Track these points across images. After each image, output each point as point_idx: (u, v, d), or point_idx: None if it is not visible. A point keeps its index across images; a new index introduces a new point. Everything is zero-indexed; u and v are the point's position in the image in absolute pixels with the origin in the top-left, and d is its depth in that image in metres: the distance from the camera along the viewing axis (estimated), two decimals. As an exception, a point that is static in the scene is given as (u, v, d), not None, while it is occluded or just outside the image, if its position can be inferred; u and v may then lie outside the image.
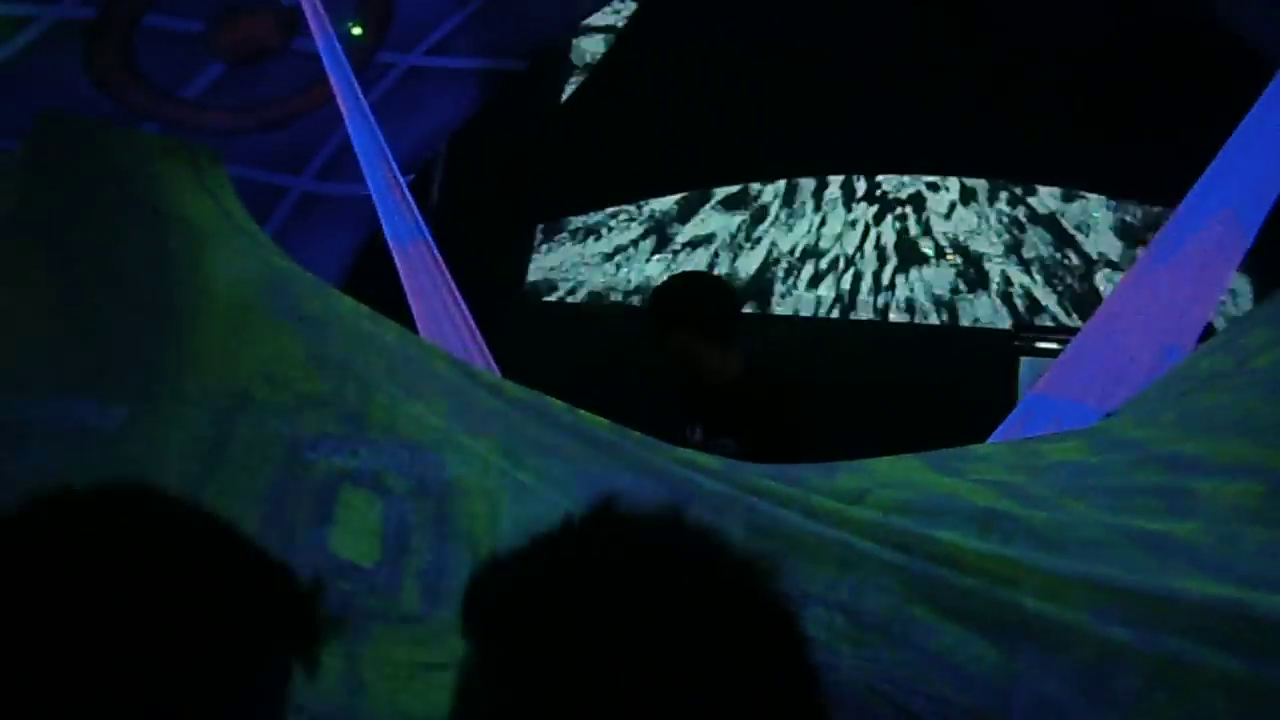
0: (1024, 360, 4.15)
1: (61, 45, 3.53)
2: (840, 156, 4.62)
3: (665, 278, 4.12)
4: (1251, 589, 1.56)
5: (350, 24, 4.13)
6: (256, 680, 0.83)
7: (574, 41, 4.70)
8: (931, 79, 4.27)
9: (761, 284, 4.80)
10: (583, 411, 2.03)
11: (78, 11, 3.45)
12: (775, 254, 4.82)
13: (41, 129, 2.56)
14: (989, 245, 4.77)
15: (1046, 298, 4.65)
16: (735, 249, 4.81)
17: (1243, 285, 4.34)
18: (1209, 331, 2.01)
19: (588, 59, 4.83)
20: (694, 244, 4.87)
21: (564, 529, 0.85)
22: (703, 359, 3.14)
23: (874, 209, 4.82)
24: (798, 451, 2.82)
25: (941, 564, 1.70)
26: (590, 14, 4.62)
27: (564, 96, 4.77)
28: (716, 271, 4.84)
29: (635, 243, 4.91)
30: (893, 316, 4.77)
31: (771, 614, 0.82)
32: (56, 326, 2.41)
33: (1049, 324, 4.44)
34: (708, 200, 4.81)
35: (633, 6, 4.77)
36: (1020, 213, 4.71)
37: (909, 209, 4.82)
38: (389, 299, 3.13)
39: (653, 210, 4.78)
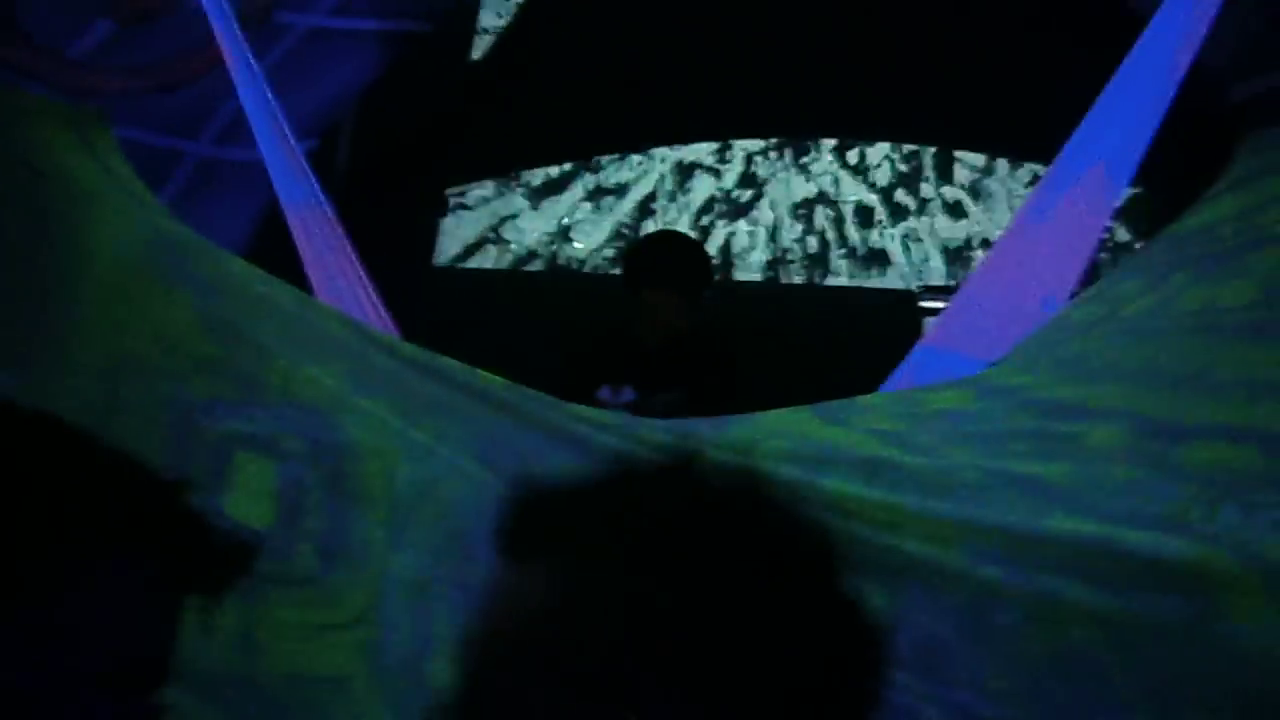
0: (928, 321, 4.26)
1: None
2: (752, 119, 4.65)
3: (643, 237, 4.18)
4: (1115, 525, 1.63)
5: (249, -17, 4.02)
6: (143, 602, 0.82)
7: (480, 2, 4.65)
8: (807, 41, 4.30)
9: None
10: (480, 370, 2.04)
11: (-48, -34, 3.32)
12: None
13: (-86, 90, 2.46)
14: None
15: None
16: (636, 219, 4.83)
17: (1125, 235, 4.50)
18: (1090, 281, 2.09)
19: (497, 19, 4.79)
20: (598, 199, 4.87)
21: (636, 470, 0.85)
22: (675, 318, 3.22)
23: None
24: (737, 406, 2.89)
25: (828, 511, 1.74)
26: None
27: (472, 58, 4.72)
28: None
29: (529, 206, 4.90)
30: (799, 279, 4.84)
31: (842, 593, 0.82)
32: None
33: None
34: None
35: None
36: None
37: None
38: (292, 264, 3.09)
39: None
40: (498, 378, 2.01)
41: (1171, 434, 1.65)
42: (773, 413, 1.95)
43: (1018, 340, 2.01)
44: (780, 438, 1.84)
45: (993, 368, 1.89)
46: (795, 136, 4.70)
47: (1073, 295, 2.06)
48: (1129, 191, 4.23)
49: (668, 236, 3.86)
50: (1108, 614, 1.64)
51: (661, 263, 3.33)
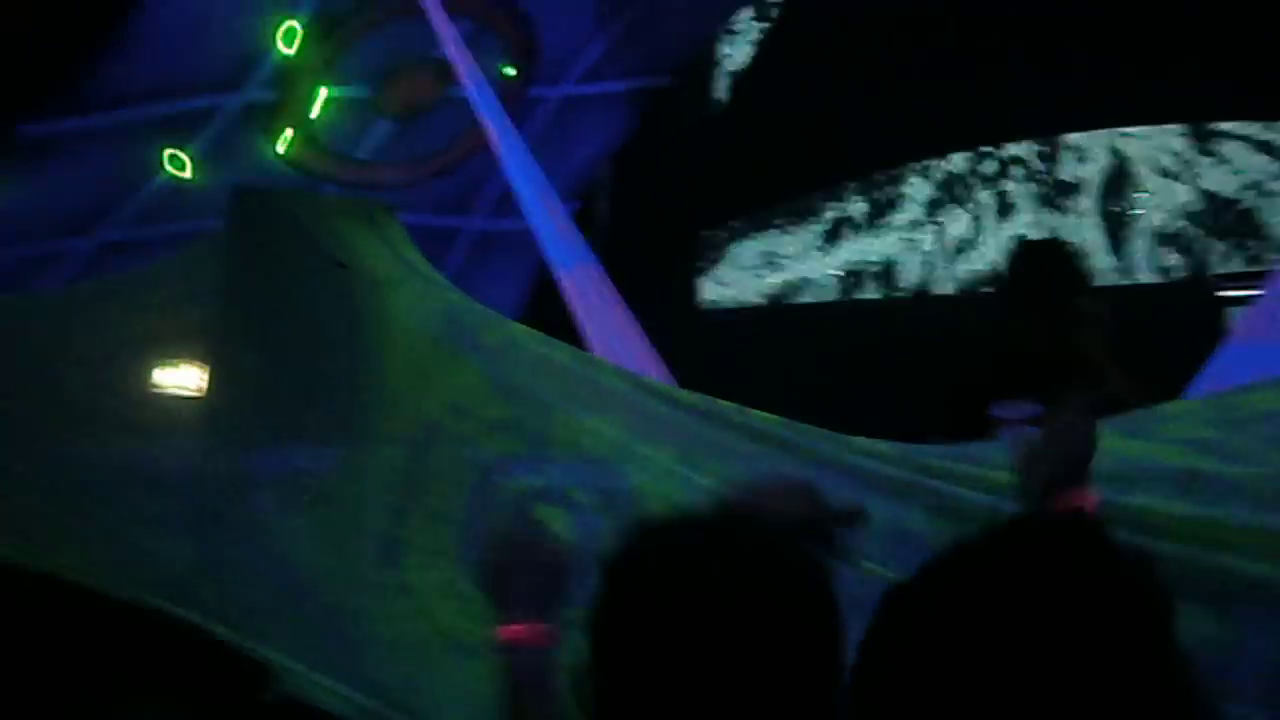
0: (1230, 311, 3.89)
1: (249, 126, 3.85)
2: (1003, 127, 4.47)
3: (1032, 243, 3.96)
4: None
5: (500, 65, 4.30)
6: None
7: (719, 48, 4.74)
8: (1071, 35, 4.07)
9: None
10: (754, 410, 2.05)
11: (261, 93, 3.77)
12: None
13: (238, 204, 2.79)
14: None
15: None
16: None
17: None
18: None
19: (735, 64, 4.86)
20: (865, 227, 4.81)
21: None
22: (1057, 328, 3.04)
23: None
24: None
25: (1140, 531, 1.62)
26: (727, 20, 4.65)
27: (717, 103, 4.81)
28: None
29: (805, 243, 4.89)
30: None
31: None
32: (267, 382, 2.62)
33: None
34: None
35: (772, 6, 4.77)
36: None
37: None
38: (566, 323, 3.24)
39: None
40: (775, 416, 2.01)
41: None
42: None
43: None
44: (1077, 456, 1.73)
45: (1319, 361, 1.71)
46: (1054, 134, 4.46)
47: None
48: None
49: (1055, 244, 3.60)
50: None
51: (1070, 271, 3.09)
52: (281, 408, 2.58)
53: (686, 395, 2.14)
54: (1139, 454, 1.71)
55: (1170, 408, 1.80)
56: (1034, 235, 4.39)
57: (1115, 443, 1.77)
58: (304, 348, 2.60)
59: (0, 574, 1.96)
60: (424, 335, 2.42)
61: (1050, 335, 2.99)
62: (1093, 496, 1.47)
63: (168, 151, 3.77)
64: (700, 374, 2.71)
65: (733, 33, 4.82)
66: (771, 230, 4.93)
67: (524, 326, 2.48)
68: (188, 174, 3.80)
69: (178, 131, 3.77)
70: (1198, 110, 4.24)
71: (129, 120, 3.68)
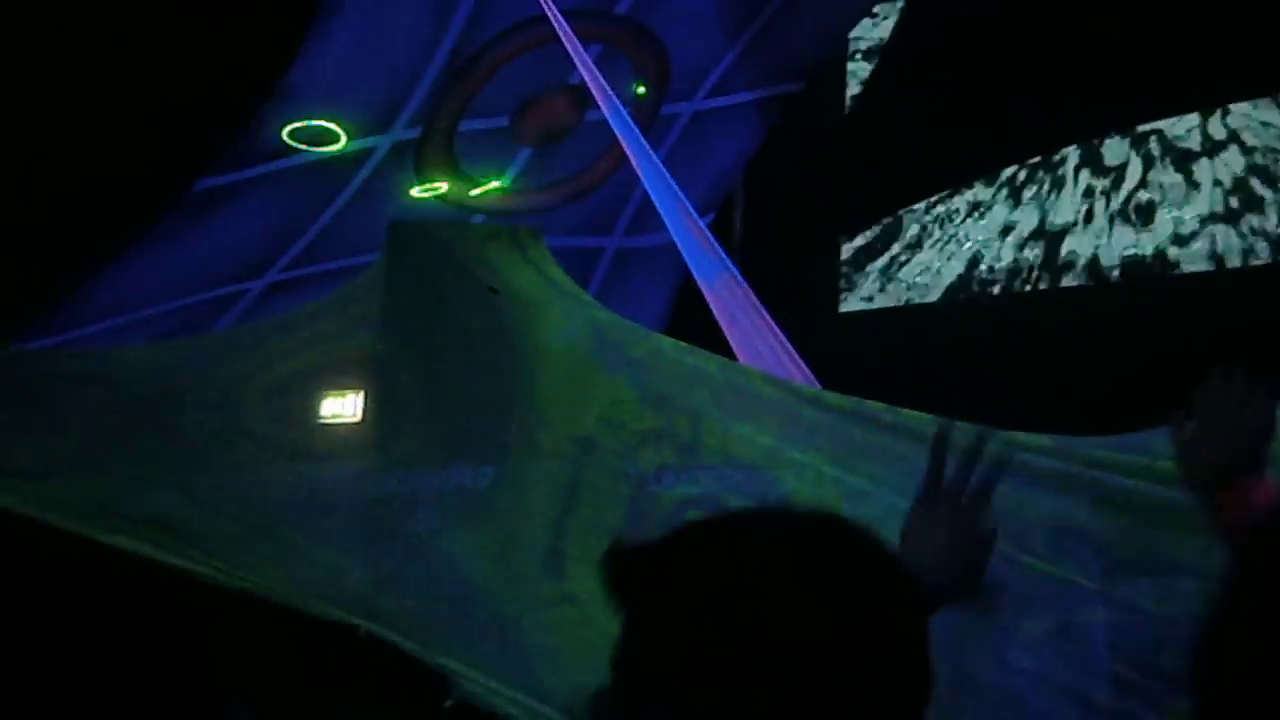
0: None
1: (400, 163, 4.06)
2: (1116, 114, 4.30)
3: None
4: None
5: (634, 85, 4.39)
6: None
7: (848, 53, 4.72)
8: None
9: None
10: (903, 409, 2.05)
11: (407, 133, 3.96)
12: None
13: (393, 237, 2.95)
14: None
15: None
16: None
17: None
18: None
19: (864, 68, 4.83)
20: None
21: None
22: None
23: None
24: None
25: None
26: (855, 24, 4.62)
27: (846, 108, 4.79)
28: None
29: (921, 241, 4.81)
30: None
31: None
32: (429, 405, 2.75)
33: None
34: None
35: (898, 8, 4.73)
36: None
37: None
38: (709, 332, 3.29)
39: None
40: (923, 414, 2.01)
41: None
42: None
43: None
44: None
45: None
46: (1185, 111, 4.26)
47: None
48: None
49: None
50: None
51: None
52: (442, 428, 2.71)
53: (835, 398, 2.16)
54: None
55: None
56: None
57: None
58: (461, 370, 2.72)
59: (204, 594, 2.12)
60: (574, 352, 2.50)
61: None
62: (1273, 484, 1.41)
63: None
64: (844, 380, 2.72)
65: (860, 38, 4.80)
66: (908, 231, 4.88)
67: (670, 339, 2.54)
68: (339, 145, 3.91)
69: (335, 174, 4.00)
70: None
71: (290, 167, 3.92)
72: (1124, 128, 4.41)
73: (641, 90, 4.30)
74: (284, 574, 2.40)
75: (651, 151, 2.90)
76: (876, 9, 4.80)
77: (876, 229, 4.84)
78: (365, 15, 3.81)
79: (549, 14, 3.22)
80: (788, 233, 4.70)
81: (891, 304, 4.76)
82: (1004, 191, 4.70)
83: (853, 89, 4.81)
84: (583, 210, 4.20)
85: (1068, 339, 3.99)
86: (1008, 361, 3.81)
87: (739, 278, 2.79)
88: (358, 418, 2.81)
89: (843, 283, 4.82)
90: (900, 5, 4.74)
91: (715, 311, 2.78)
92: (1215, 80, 4.15)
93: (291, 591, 2.20)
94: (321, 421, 2.87)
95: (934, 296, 4.74)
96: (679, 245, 2.84)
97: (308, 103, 3.79)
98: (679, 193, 2.84)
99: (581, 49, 3.25)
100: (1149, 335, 3.71)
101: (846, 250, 4.85)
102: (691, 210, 2.84)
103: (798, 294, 4.67)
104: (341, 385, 2.85)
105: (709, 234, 2.84)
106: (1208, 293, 4.10)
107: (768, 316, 2.74)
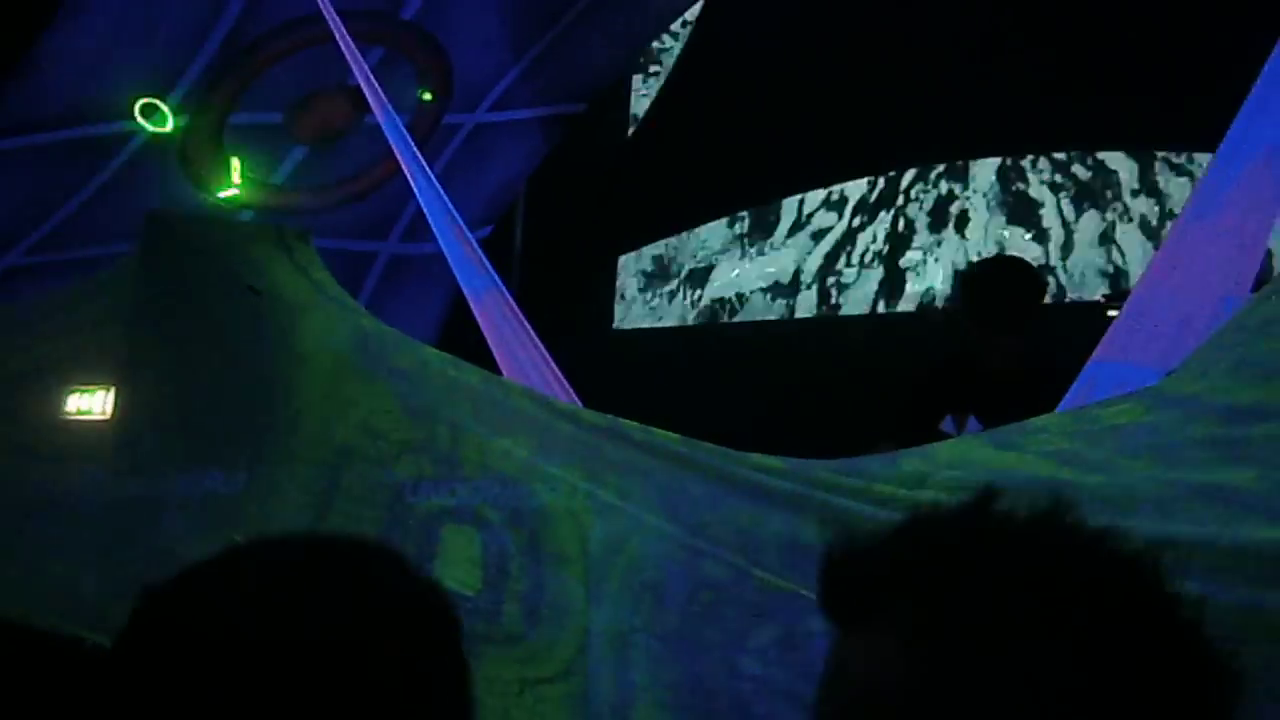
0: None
1: (162, 153, 3.86)
2: (894, 152, 4.64)
3: (990, 265, 3.88)
4: (1315, 528, 1.57)
5: (420, 91, 4.37)
6: None
7: (632, 77, 4.86)
8: (957, 62, 4.25)
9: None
10: (655, 429, 2.14)
11: (173, 119, 3.77)
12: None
13: (149, 228, 2.82)
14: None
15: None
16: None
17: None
18: (1264, 278, 2.01)
19: (648, 90, 4.98)
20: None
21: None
22: (1019, 350, 3.04)
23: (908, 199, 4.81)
24: None
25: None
26: (641, 50, 4.77)
27: (629, 130, 4.93)
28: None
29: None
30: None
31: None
32: (180, 406, 2.64)
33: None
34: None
35: (681, 42, 4.91)
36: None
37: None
38: (482, 343, 3.31)
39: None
40: (673, 434, 2.11)
41: (1366, 427, 1.58)
42: (945, 443, 1.97)
43: (1195, 345, 1.96)
44: (952, 468, 1.86)
45: (1167, 378, 1.86)
46: (950, 160, 4.64)
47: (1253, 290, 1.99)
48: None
49: (1017, 267, 3.61)
50: (1319, 621, 1.57)
51: (1015, 294, 3.12)
52: (193, 431, 2.61)
53: (590, 415, 2.23)
54: (1007, 464, 1.83)
55: (1038, 421, 1.93)
56: (984, 255, 4.46)
57: (986, 454, 1.90)
58: (217, 371, 2.63)
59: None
60: (335, 358, 2.47)
61: (1003, 350, 3.05)
62: None
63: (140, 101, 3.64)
64: (612, 395, 2.81)
65: (645, 61, 4.95)
66: (684, 252, 5.06)
67: (435, 350, 2.55)
68: (168, 127, 3.68)
69: (89, 157, 3.76)
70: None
71: (38, 145, 3.66)
72: (879, 170, 4.73)
73: (428, 96, 4.28)
74: (12, 585, 2.25)
75: (423, 160, 2.90)
76: (663, 37, 4.97)
77: (652, 250, 5.00)
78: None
79: (324, 12, 3.17)
80: (567, 250, 4.79)
81: (662, 324, 4.92)
82: (773, 220, 4.96)
83: (636, 111, 4.95)
84: (358, 214, 4.13)
85: (817, 367, 4.24)
86: (764, 385, 4.00)
87: (505, 293, 2.83)
88: (106, 414, 2.67)
89: (618, 300, 4.95)
90: (686, 35, 4.93)
91: (481, 325, 2.81)
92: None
93: (19, 603, 2.06)
94: (64, 418, 2.71)
95: (698, 319, 4.94)
96: (447, 257, 2.85)
97: (62, 78, 3.56)
98: (449, 203, 2.86)
99: (357, 50, 3.21)
100: (881, 366, 3.99)
101: (622, 269, 4.98)
102: (460, 222, 2.85)
103: (573, 310, 4.75)
104: (87, 380, 2.71)
105: (477, 247, 2.87)
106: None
107: (532, 332, 2.79)
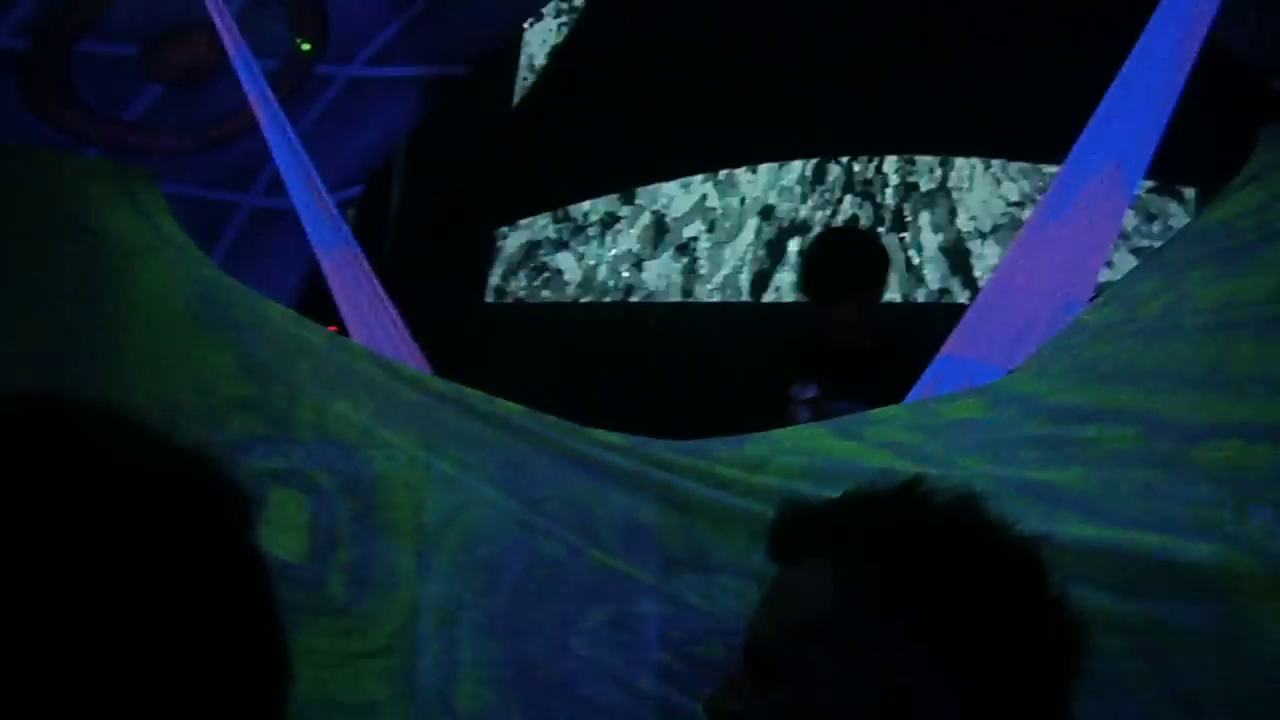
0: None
1: (2, 76, 3.60)
2: (776, 140, 4.66)
3: (827, 233, 3.98)
4: (1134, 530, 1.60)
5: (297, 41, 4.18)
6: None
7: (524, 40, 4.76)
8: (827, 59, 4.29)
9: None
10: (499, 400, 2.08)
11: (10, 42, 3.51)
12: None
13: (-19, 159, 2.61)
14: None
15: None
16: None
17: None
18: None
19: (536, 60, 4.89)
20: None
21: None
22: (854, 318, 3.11)
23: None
24: None
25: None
26: (529, 16, 4.68)
27: (515, 98, 4.82)
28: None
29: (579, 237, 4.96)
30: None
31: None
32: (3, 353, 2.46)
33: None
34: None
35: (576, 7, 4.83)
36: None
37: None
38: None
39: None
40: (516, 405, 2.05)
41: (1186, 434, 1.61)
42: (789, 429, 1.96)
43: (1039, 344, 1.99)
44: (793, 454, 1.85)
45: (1007, 376, 1.87)
46: (812, 157, 4.68)
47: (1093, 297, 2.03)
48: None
49: (846, 237, 3.67)
50: (1131, 621, 1.61)
51: (841, 267, 3.18)
52: (12, 379, 2.44)
53: (435, 382, 2.15)
54: (846, 453, 1.83)
55: (879, 413, 1.93)
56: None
57: (828, 442, 1.90)
58: (39, 315, 2.46)
59: None
60: (169, 308, 2.33)
61: (837, 323, 3.15)
62: None
63: None
64: (475, 368, 2.73)
65: (533, 26, 4.85)
66: (558, 229, 4.98)
67: (282, 307, 2.43)
68: None
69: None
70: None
71: None
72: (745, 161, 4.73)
73: (306, 46, 4.11)
74: None
75: (280, 110, 2.77)
76: (553, 5, 4.88)
77: (530, 223, 4.91)
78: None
79: None
80: (443, 217, 4.67)
81: (532, 299, 4.85)
82: (641, 203, 4.92)
83: (522, 80, 4.85)
84: (220, 161, 3.94)
85: (682, 350, 4.23)
86: (621, 366, 3.98)
87: (358, 251, 2.72)
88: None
89: (492, 272, 4.85)
90: (579, 5, 4.85)
91: (331, 283, 2.70)
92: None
93: None
94: None
95: (569, 295, 4.89)
96: (299, 211, 2.72)
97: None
98: (303, 154, 2.73)
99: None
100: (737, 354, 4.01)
101: (499, 241, 4.89)
102: (317, 180, 2.73)
103: (445, 279, 4.63)
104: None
105: (331, 202, 2.75)
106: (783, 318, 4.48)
107: (384, 295, 2.69)
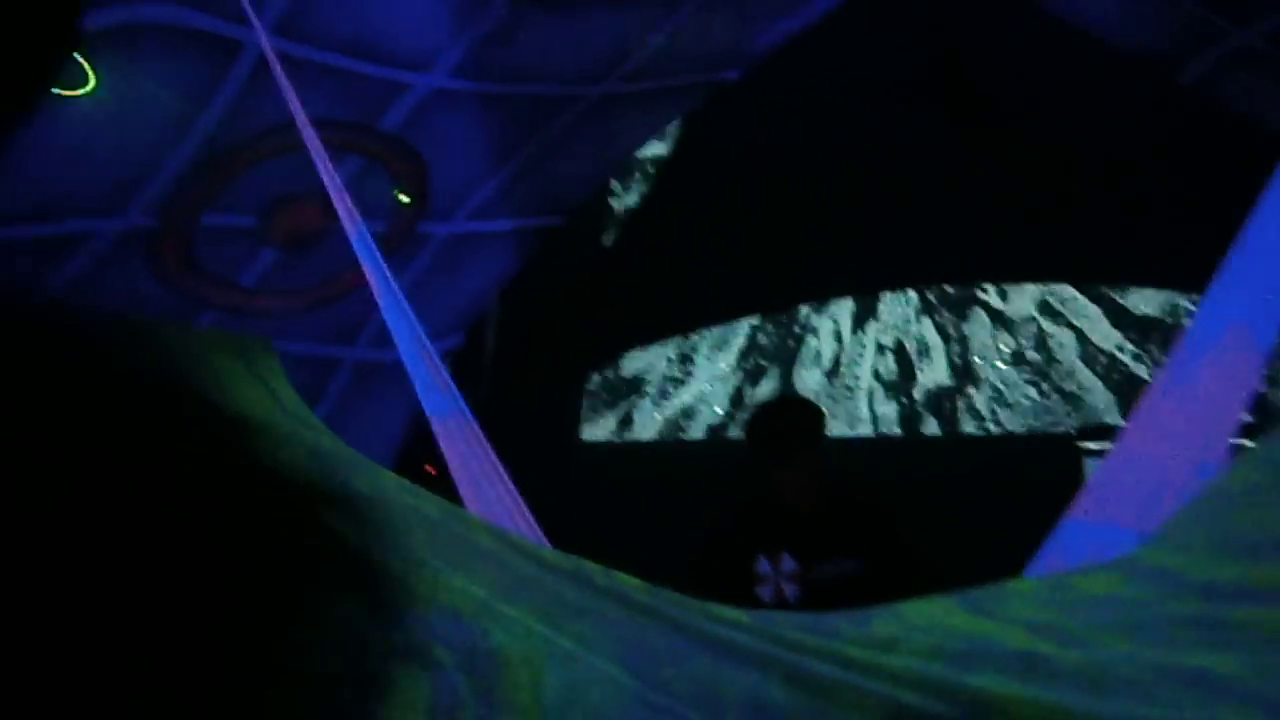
0: (1090, 462, 4.08)
1: (128, 254, 3.79)
2: (875, 273, 4.67)
3: (766, 405, 4.30)
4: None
5: (396, 192, 4.34)
6: None
7: (611, 191, 4.88)
8: (944, 189, 4.32)
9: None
10: (619, 573, 2.06)
11: (141, 220, 3.71)
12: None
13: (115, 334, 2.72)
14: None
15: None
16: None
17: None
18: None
19: (625, 207, 5.00)
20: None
21: None
22: (816, 479, 3.39)
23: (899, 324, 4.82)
24: (916, 571, 2.96)
25: (986, 712, 1.66)
26: (620, 165, 4.80)
27: (606, 244, 4.93)
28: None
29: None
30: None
31: None
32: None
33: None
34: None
35: (663, 150, 4.95)
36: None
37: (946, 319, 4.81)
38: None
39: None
40: (638, 581, 2.03)
41: (1352, 615, 1.52)
42: (916, 603, 1.90)
43: (1172, 507, 1.91)
44: (924, 632, 1.79)
45: (1144, 547, 1.80)
46: (909, 287, 4.67)
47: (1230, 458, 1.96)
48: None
49: (790, 404, 4.03)
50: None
51: (798, 430, 3.44)
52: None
53: (553, 556, 2.14)
54: (982, 632, 1.77)
55: (1014, 586, 1.87)
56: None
57: (960, 619, 1.83)
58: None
59: None
60: (292, 480, 2.37)
61: (787, 485, 3.32)
62: None
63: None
64: (573, 511, 2.72)
65: (625, 176, 4.98)
66: (653, 370, 5.01)
67: (394, 475, 2.46)
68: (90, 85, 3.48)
69: (51, 255, 3.69)
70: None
71: (4, 239, 3.59)
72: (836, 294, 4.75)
73: (405, 199, 4.26)
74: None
75: (390, 274, 2.86)
76: (643, 154, 5.01)
77: (622, 364, 4.95)
78: (107, 87, 3.60)
79: (296, 119, 3.17)
80: (538, 361, 4.73)
81: (629, 439, 4.86)
82: (741, 337, 4.93)
83: (613, 227, 4.96)
84: (326, 318, 4.07)
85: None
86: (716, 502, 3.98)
87: (472, 419, 2.76)
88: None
89: (586, 414, 4.88)
90: (665, 155, 4.97)
91: (445, 451, 2.73)
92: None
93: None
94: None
95: (660, 434, 4.88)
96: (412, 378, 2.78)
97: (28, 177, 3.50)
98: (416, 324, 2.80)
99: (328, 160, 3.20)
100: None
101: (593, 383, 4.93)
102: (427, 343, 2.80)
103: (542, 423, 4.67)
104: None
105: (442, 368, 2.81)
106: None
107: (496, 461, 2.71)
